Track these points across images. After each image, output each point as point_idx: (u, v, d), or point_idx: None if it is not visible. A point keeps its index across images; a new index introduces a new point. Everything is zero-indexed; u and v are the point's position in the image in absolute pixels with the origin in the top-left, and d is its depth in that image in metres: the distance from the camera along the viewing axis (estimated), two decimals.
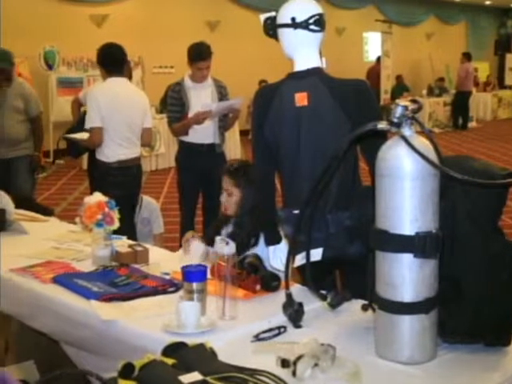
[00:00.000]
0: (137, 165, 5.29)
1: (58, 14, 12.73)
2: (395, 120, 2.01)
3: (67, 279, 2.87)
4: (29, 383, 2.05)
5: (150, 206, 5.73)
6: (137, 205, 5.41)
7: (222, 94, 5.61)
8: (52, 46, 12.28)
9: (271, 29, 3.00)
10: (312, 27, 2.90)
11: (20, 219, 3.95)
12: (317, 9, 2.95)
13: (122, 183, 4.99)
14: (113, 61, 5.16)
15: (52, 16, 12.61)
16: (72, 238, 3.63)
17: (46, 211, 4.64)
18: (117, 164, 5.07)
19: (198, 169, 5.45)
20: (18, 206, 4.18)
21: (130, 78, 6.82)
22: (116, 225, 3.16)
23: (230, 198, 3.41)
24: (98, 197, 3.19)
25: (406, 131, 2.00)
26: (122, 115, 5.05)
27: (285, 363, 1.95)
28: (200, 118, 5.36)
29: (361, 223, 2.53)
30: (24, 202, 4.61)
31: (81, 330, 2.62)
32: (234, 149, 11.88)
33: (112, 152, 5.05)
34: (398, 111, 2.00)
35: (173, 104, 5.57)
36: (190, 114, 5.43)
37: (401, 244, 2.00)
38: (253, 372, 1.84)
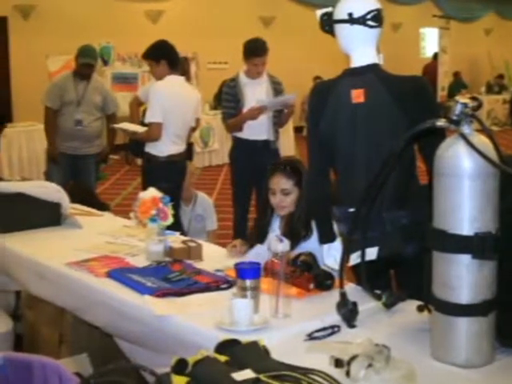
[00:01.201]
0: (183, 159, 5.39)
1: (114, 11, 12.91)
2: (454, 118, 1.97)
3: (121, 274, 2.89)
4: (82, 376, 2.06)
5: (204, 202, 5.74)
6: (180, 199, 5.41)
7: (277, 90, 5.60)
8: (108, 42, 12.44)
9: (328, 24, 2.96)
10: (369, 23, 2.85)
11: (75, 213, 4.00)
12: (375, 4, 2.91)
13: (170, 176, 5.04)
14: (170, 58, 5.20)
15: (108, 12, 12.79)
16: (126, 233, 3.66)
17: (103, 206, 4.69)
18: (166, 158, 5.14)
19: (252, 165, 5.45)
20: (78, 199, 4.25)
21: (188, 75, 6.88)
22: (170, 220, 3.17)
23: (287, 198, 3.38)
24: (152, 192, 3.21)
25: (466, 129, 1.96)
26: (179, 112, 5.16)
27: (338, 363, 1.92)
28: (254, 113, 5.37)
29: (417, 222, 2.49)
30: (85, 194, 4.71)
31: (134, 324, 2.64)
32: (288, 145, 11.84)
33: (165, 147, 5.14)
34: (458, 109, 1.96)
35: (227, 100, 5.58)
36: (245, 111, 5.43)
37: (459, 244, 1.96)
38: (306, 371, 1.83)
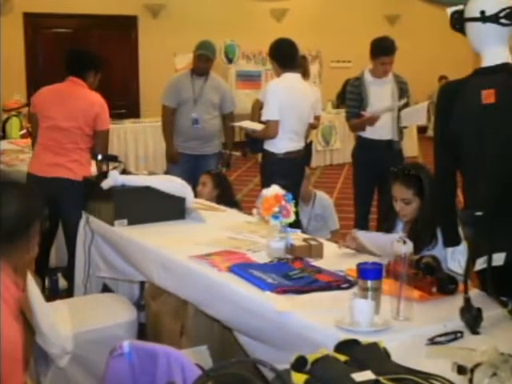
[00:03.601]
0: (301, 156, 5.38)
1: (240, 9, 13.09)
2: None
3: (243, 269, 2.92)
4: (203, 368, 2.10)
5: (323, 202, 5.77)
6: (299, 196, 5.43)
7: (402, 89, 5.51)
8: (232, 40, 12.63)
9: (458, 23, 2.89)
10: (502, 21, 2.76)
11: (199, 208, 4.08)
12: (507, 2, 2.81)
13: (288, 173, 5.05)
14: (285, 56, 5.22)
15: (234, 11, 12.99)
16: (248, 229, 3.70)
17: (235, 204, 4.77)
18: (283, 155, 5.17)
19: (375, 165, 5.39)
20: (221, 189, 4.59)
21: (306, 73, 6.86)
22: (292, 218, 3.18)
23: (407, 206, 3.36)
24: (275, 189, 3.23)
25: None
26: (294, 109, 5.16)
27: (461, 370, 1.88)
28: (375, 122, 5.33)
29: None
30: (228, 186, 4.83)
31: (254, 319, 2.67)
32: (412, 146, 11.65)
33: (282, 144, 5.16)
34: None
35: (351, 99, 5.55)
36: (369, 110, 5.39)
37: None
38: (427, 376, 1.80)
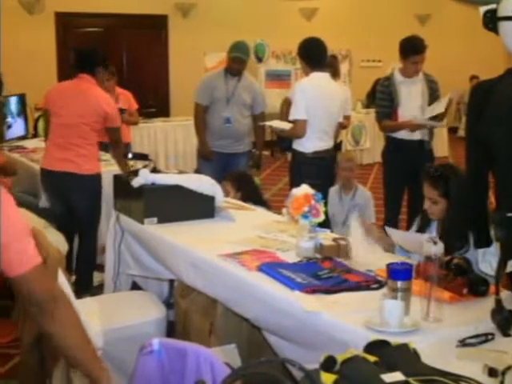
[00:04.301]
0: (330, 155, 5.38)
1: (269, 9, 13.09)
2: None
3: (272, 268, 2.92)
4: (232, 367, 2.11)
5: (364, 194, 5.84)
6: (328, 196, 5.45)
7: (432, 89, 5.48)
8: (262, 40, 12.64)
9: (491, 22, 2.86)
10: None
11: (228, 207, 4.08)
12: None
13: (317, 173, 5.04)
14: (313, 55, 5.22)
15: (263, 10, 12.99)
16: (277, 228, 3.70)
17: (264, 203, 4.78)
18: (312, 154, 5.17)
19: (405, 165, 5.38)
20: (244, 188, 4.61)
21: (337, 72, 6.84)
22: (321, 217, 3.18)
23: (434, 206, 3.35)
24: (305, 189, 3.22)
25: None
26: (323, 108, 5.16)
27: (492, 372, 1.86)
28: (414, 127, 5.32)
29: None
30: (251, 185, 4.83)
31: (283, 319, 2.67)
32: (442, 146, 11.57)
33: (310, 143, 5.17)
34: None
35: (382, 99, 5.53)
36: (400, 110, 5.37)
37: None
38: (457, 378, 1.79)
